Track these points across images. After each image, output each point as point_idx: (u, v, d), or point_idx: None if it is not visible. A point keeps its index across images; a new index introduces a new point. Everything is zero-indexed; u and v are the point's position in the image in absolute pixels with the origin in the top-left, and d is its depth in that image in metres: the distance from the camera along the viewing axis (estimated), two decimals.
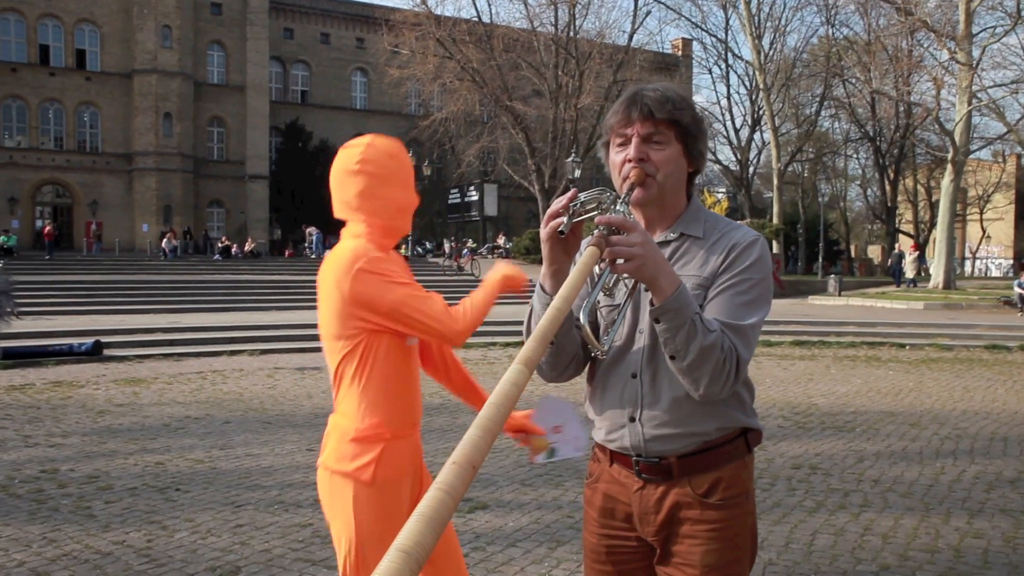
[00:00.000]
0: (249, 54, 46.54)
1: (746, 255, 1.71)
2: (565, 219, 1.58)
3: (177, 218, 42.95)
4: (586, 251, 1.49)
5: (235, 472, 5.85)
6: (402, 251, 37.92)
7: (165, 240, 36.22)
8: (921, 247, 51.97)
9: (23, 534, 4.47)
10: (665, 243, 1.77)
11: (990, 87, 30.25)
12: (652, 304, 1.59)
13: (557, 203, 1.60)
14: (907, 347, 15.03)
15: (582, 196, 1.60)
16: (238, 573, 3.92)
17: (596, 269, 1.56)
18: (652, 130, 1.71)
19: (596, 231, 1.53)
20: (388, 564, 0.95)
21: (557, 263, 1.66)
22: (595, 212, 1.60)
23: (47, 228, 35.36)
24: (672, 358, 1.62)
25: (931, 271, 32.53)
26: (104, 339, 13.30)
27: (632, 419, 1.76)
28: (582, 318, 1.52)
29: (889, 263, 35.54)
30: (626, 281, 1.71)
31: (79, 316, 18.17)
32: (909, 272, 31.79)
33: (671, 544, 1.77)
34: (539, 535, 4.49)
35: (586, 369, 1.88)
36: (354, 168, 2.27)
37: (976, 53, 28.40)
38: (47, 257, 31.70)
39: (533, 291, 1.80)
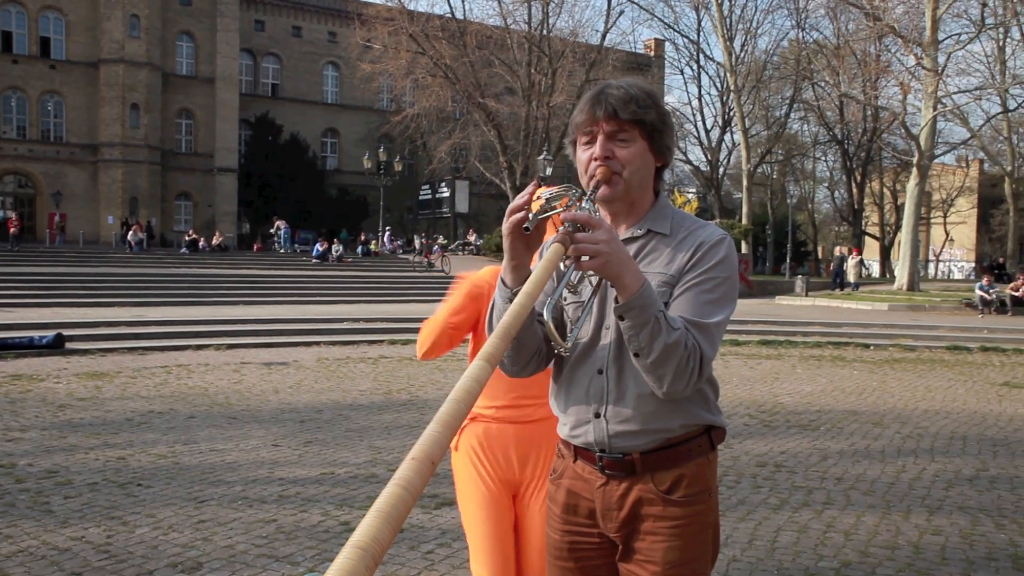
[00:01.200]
0: (219, 46, 45.92)
1: (712, 253, 1.71)
2: (529, 214, 1.57)
3: (143, 210, 42.29)
4: (551, 247, 1.48)
5: (198, 467, 5.78)
6: (372, 247, 37.69)
7: (131, 233, 35.67)
8: (885, 249, 52.87)
9: None
10: (632, 239, 1.77)
11: (955, 93, 30.94)
12: (616, 301, 1.59)
13: (519, 198, 1.59)
14: (871, 347, 15.25)
15: (546, 192, 1.60)
16: (200, 569, 3.87)
17: (561, 266, 1.56)
18: (616, 128, 1.71)
19: (561, 228, 1.52)
20: (343, 560, 0.94)
21: (518, 258, 1.65)
22: (561, 209, 1.59)
23: (12, 221, 34.43)
24: (636, 355, 1.62)
25: (895, 273, 33.02)
26: (66, 332, 13.07)
27: (597, 415, 1.76)
28: (545, 314, 1.52)
29: (831, 267, 34.04)
30: (591, 278, 1.71)
31: (41, 308, 17.83)
32: (851, 276, 31.47)
33: (633, 541, 1.77)
34: None
35: (551, 366, 1.87)
36: None
37: (942, 59, 28.92)
38: (13, 249, 30.82)
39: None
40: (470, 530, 2.53)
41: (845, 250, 36.43)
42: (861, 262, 33.49)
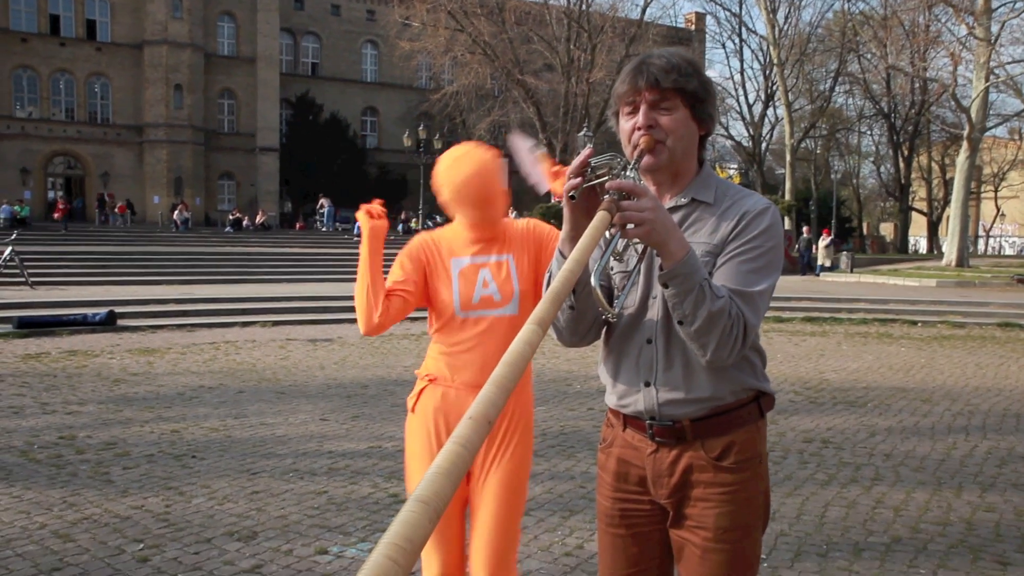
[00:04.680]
0: (259, 25, 46.28)
1: (757, 222, 1.72)
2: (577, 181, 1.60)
3: (188, 190, 43.02)
4: (597, 215, 1.50)
5: (250, 440, 5.92)
6: (413, 224, 37.89)
7: (176, 212, 36.33)
8: (933, 225, 51.66)
9: (44, 498, 4.54)
10: (676, 208, 1.78)
11: (1008, 63, 29.86)
12: (661, 269, 1.60)
13: (575, 164, 1.60)
14: (919, 324, 14.99)
15: (593, 161, 1.61)
16: (255, 538, 3.98)
17: (607, 234, 1.58)
18: (659, 97, 1.71)
19: (607, 196, 1.54)
20: (408, 514, 0.97)
21: (577, 228, 1.66)
22: (607, 177, 1.61)
23: (60, 204, 35.12)
24: (680, 323, 1.63)
25: (944, 249, 32.27)
26: (118, 309, 13.39)
27: (647, 384, 1.77)
28: (593, 280, 1.54)
29: (797, 248, 29.38)
30: (636, 246, 1.73)
31: (93, 287, 18.28)
32: (821, 259, 28.43)
33: (684, 507, 1.79)
34: (552, 504, 4.53)
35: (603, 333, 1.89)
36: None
37: (995, 28, 28.03)
38: (63, 230, 31.43)
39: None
40: None
41: (811, 230, 31.76)
42: (833, 244, 30.09)
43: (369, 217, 2.49)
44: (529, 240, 2.52)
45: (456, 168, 2.45)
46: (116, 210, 39.15)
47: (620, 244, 1.65)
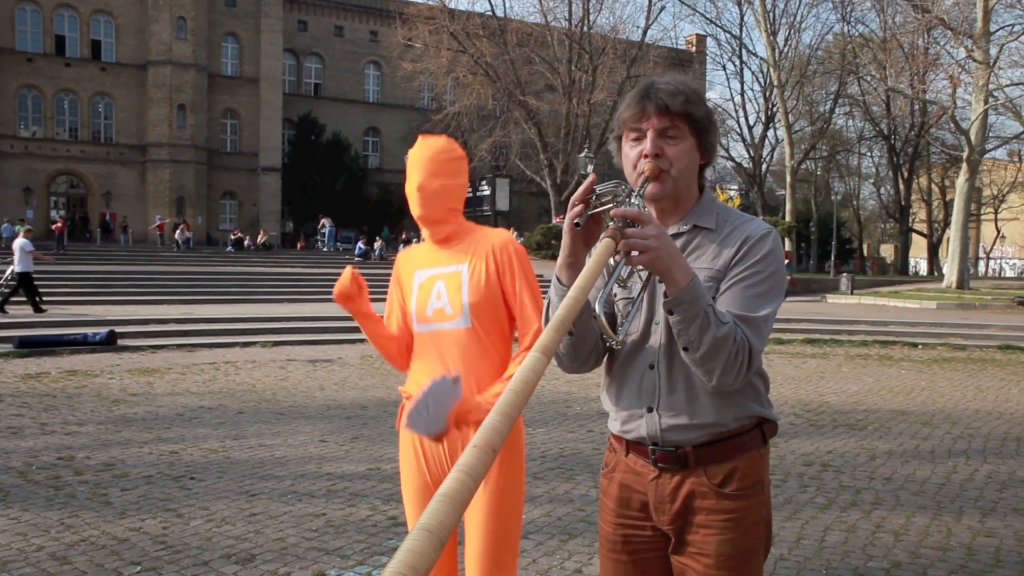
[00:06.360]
0: (263, 46, 46.62)
1: (758, 247, 1.72)
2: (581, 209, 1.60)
3: (190, 210, 43.13)
4: (601, 243, 1.51)
5: (249, 462, 5.90)
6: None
7: (178, 231, 36.39)
8: (933, 247, 51.72)
9: (41, 520, 4.52)
10: (677, 235, 1.78)
11: (1007, 86, 30.06)
12: (665, 296, 1.61)
13: (579, 191, 1.61)
14: (919, 346, 14.98)
15: (598, 188, 1.62)
16: (253, 561, 3.96)
17: (611, 261, 1.58)
18: (668, 124, 1.72)
19: (611, 223, 1.55)
20: (412, 542, 0.98)
21: (575, 255, 1.67)
22: (611, 205, 1.62)
23: (58, 223, 35.06)
24: (685, 349, 1.63)
25: (944, 271, 32.29)
26: (118, 329, 13.40)
27: (650, 409, 1.78)
28: (597, 308, 1.55)
29: None
30: (640, 273, 1.73)
31: (93, 306, 18.29)
32: None
33: (686, 534, 1.79)
34: (551, 528, 4.51)
35: (604, 360, 1.89)
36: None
37: (993, 51, 28.23)
38: (59, 251, 31.27)
39: None
40: (408, 518, 2.58)
41: None
42: (789, 266, 29.69)
43: (346, 300, 2.58)
44: (488, 250, 2.48)
45: (421, 141, 2.51)
46: (156, 229, 38.99)
47: (625, 272, 1.65)
